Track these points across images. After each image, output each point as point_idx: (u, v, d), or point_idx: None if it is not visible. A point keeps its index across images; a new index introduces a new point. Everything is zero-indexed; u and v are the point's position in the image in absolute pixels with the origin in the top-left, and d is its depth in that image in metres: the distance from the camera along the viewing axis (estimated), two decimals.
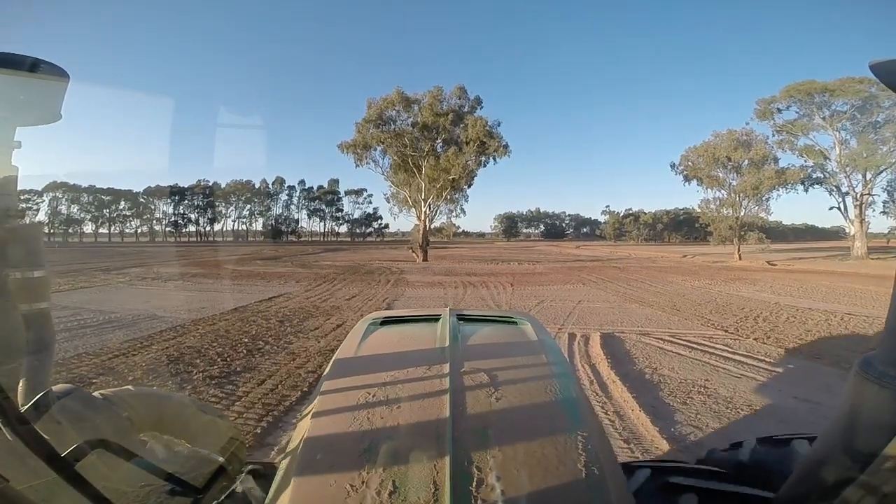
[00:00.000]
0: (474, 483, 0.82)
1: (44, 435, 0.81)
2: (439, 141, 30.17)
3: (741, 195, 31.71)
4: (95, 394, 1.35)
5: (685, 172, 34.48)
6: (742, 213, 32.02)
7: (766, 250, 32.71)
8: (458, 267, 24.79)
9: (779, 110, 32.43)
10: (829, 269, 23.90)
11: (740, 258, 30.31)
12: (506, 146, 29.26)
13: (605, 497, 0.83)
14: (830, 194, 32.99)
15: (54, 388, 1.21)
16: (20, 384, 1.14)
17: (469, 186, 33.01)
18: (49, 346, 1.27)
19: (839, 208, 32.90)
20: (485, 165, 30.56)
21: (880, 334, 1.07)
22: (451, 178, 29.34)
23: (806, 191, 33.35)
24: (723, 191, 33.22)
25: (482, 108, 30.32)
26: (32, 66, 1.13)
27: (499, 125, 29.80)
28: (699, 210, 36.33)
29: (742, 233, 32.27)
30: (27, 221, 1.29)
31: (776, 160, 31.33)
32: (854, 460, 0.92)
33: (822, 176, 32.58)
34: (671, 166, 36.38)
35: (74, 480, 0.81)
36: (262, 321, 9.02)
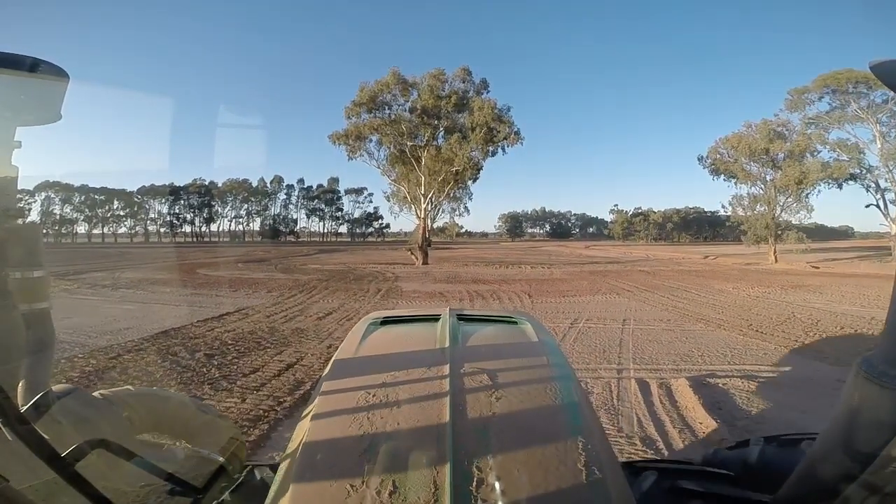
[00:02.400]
0: (474, 483, 0.80)
1: (44, 435, 0.80)
2: (441, 129, 26.70)
3: (779, 191, 28.66)
4: (95, 394, 1.33)
5: (714, 166, 31.42)
6: (779, 211, 28.96)
7: (808, 251, 29.67)
8: (462, 272, 21.90)
9: (811, 101, 29.72)
10: (879, 272, 21.33)
11: (776, 260, 27.32)
12: (517, 133, 25.74)
13: (606, 498, 0.81)
14: (867, 191, 30.22)
15: (54, 388, 1.18)
16: (20, 384, 1.14)
17: (474, 181, 29.83)
18: (49, 346, 1.28)
19: (878, 206, 30.08)
20: (493, 155, 27.02)
21: (881, 334, 1.02)
22: (454, 169, 25.93)
23: (840, 187, 30.67)
24: (757, 185, 30.20)
25: (489, 92, 26.78)
26: (32, 66, 1.11)
27: (509, 110, 26.14)
28: (729, 207, 33.16)
29: (779, 232, 29.24)
30: (27, 221, 1.29)
31: (814, 153, 28.40)
32: (854, 461, 0.89)
33: (858, 171, 29.85)
34: (698, 159, 33.10)
35: (74, 480, 0.80)
36: (186, 354, 6.32)
